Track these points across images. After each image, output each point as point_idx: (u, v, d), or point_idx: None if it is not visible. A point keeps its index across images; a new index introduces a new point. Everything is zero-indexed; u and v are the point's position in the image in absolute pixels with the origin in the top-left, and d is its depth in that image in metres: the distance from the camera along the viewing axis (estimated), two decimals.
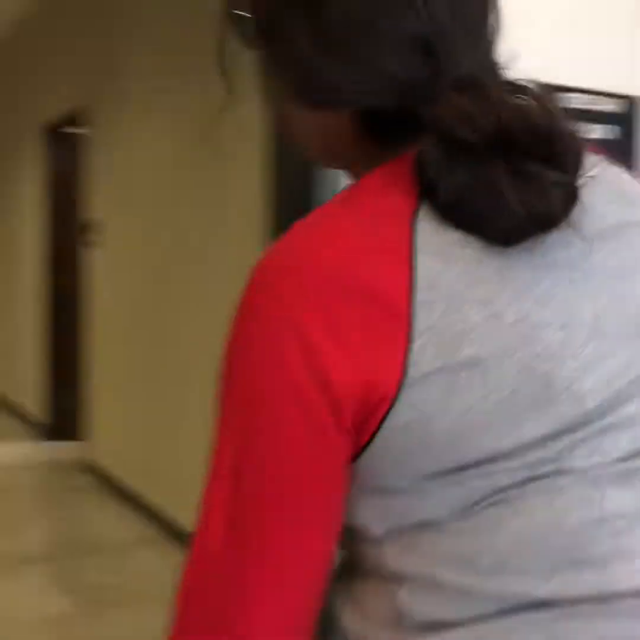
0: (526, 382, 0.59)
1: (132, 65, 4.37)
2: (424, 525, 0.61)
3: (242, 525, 0.59)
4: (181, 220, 3.83)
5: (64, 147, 5.66)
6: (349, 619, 0.65)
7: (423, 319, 0.57)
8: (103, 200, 4.86)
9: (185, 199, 3.82)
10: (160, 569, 3.50)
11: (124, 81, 4.48)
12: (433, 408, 0.58)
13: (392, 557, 0.63)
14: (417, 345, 0.57)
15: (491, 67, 0.66)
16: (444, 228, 0.60)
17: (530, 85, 0.62)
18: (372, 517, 0.63)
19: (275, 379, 0.59)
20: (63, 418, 5.84)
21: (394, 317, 0.57)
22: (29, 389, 6.19)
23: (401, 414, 0.58)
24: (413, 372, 0.57)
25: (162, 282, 4.07)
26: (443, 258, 0.59)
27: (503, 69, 0.67)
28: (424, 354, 0.57)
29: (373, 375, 0.57)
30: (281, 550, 0.59)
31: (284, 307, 0.59)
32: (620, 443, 0.62)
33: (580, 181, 0.60)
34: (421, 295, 0.57)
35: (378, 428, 0.58)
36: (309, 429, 0.58)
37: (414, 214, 0.60)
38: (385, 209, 0.62)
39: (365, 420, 0.58)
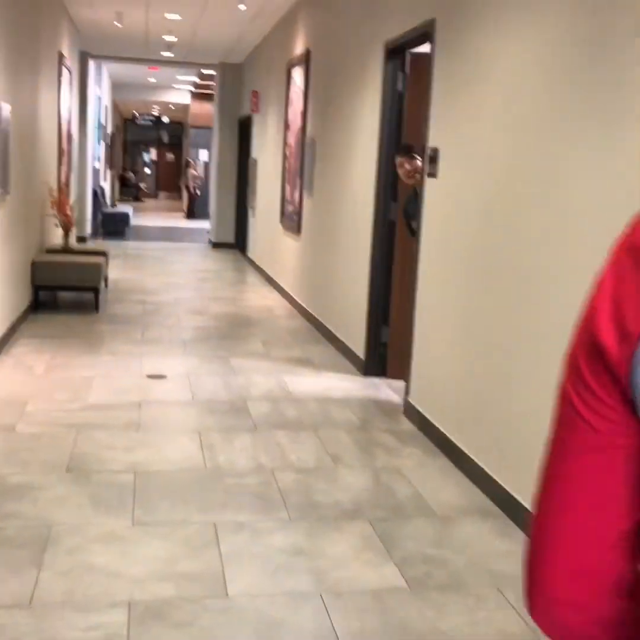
0: None
1: None
2: None
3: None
4: (534, 156, 3.28)
5: (405, 68, 5.31)
6: None
7: None
8: (440, 127, 4.45)
9: (544, 133, 3.26)
10: (489, 548, 3.12)
11: None
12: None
13: None
14: None
15: None
16: None
17: None
18: None
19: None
20: (383, 355, 5.66)
21: None
22: (352, 323, 6.08)
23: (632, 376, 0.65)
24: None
25: (499, 223, 3.59)
26: None
27: None
28: None
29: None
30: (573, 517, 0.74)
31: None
32: None
33: None
34: None
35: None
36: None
37: None
38: None
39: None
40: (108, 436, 4.17)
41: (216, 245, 14.40)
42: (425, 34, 4.69)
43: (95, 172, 15.66)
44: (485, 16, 3.89)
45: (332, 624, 2.56)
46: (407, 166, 5.01)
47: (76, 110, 12.15)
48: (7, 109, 5.92)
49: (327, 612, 2.63)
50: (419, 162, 4.86)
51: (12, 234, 6.37)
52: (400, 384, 5.30)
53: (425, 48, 4.98)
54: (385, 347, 5.68)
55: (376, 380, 5.59)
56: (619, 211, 2.73)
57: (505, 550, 3.14)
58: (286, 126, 9.11)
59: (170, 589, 2.72)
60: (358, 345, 5.90)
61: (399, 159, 5.07)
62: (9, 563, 2.81)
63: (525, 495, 3.33)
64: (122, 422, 4.40)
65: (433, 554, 3.07)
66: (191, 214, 21.84)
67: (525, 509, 3.30)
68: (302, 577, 2.84)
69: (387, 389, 5.41)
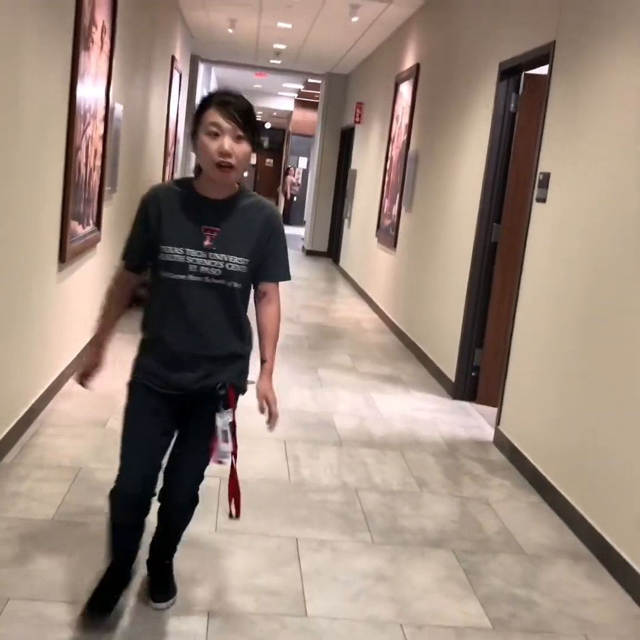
0: None
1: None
2: None
3: None
4: None
5: (520, 89, 5.20)
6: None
7: None
8: (553, 152, 4.32)
9: None
10: (582, 594, 3.00)
11: (594, 17, 3.84)
12: None
13: None
14: None
15: None
16: None
17: None
18: None
19: None
20: (475, 379, 5.55)
21: None
22: (444, 343, 5.97)
23: None
24: None
25: (616, 252, 3.44)
26: None
27: None
28: None
29: None
30: None
31: None
32: None
33: None
34: None
35: None
36: None
37: None
38: None
39: None
40: None
41: (309, 252, 14.46)
42: (543, 56, 4.58)
43: None
44: (610, 41, 3.75)
45: None
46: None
47: (184, 111, 12.41)
48: (120, 109, 6.07)
49: None
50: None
51: (118, 231, 6.52)
52: (491, 410, 5.18)
53: (541, 70, 4.87)
54: (478, 371, 5.56)
55: (466, 405, 5.47)
56: None
57: (595, 596, 3.01)
58: (389, 139, 9.07)
59: (250, 602, 2.70)
60: (449, 367, 5.79)
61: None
62: (91, 562, 2.83)
63: (621, 540, 3.17)
64: None
65: (519, 594, 2.96)
66: (287, 220, 22.03)
67: (619, 554, 3.15)
68: (383, 605, 2.77)
69: (477, 415, 5.28)
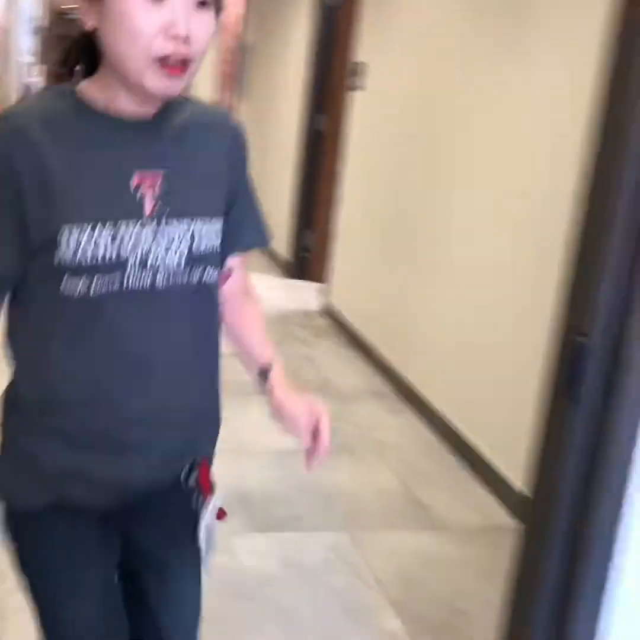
0: None
1: None
2: None
3: None
4: (456, 71, 3.60)
5: None
6: None
7: None
8: (371, 41, 4.70)
9: (465, 51, 3.57)
10: (381, 423, 3.57)
11: None
12: None
13: None
14: None
15: None
16: None
17: None
18: None
19: None
20: (306, 259, 6.01)
21: None
22: (277, 226, 6.37)
23: None
24: None
25: (425, 134, 3.92)
26: None
27: None
28: None
29: None
30: None
31: None
32: None
33: None
34: None
35: None
36: None
37: None
38: None
39: None
40: None
41: None
42: None
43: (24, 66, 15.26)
44: None
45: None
46: None
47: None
48: None
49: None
50: None
51: None
52: (322, 286, 5.67)
53: None
54: (309, 252, 6.02)
55: (298, 282, 5.95)
56: (528, 131, 3.10)
57: (393, 425, 3.60)
58: (226, 29, 9.14)
59: None
60: (282, 248, 6.22)
61: None
62: None
63: (418, 379, 3.76)
64: None
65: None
66: None
67: (417, 392, 3.74)
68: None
69: (308, 291, 5.77)
